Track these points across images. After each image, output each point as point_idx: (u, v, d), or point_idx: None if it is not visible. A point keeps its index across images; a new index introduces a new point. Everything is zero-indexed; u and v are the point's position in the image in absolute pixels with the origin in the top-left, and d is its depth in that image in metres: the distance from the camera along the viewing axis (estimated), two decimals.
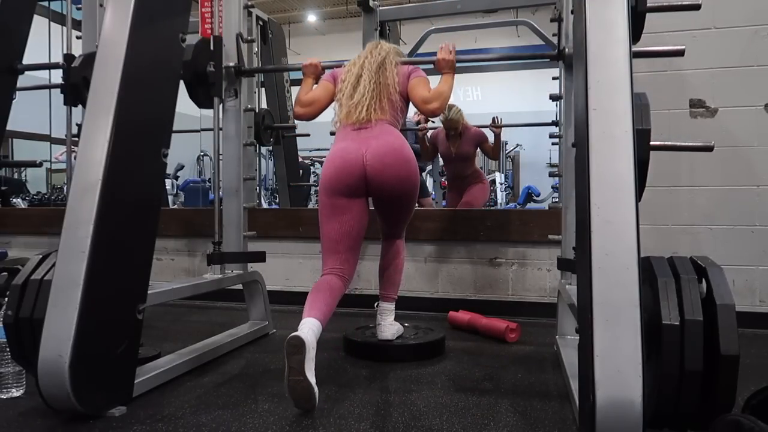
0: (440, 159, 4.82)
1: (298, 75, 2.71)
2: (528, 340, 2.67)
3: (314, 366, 1.77)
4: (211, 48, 2.55)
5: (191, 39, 2.32)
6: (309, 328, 1.85)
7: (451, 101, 4.01)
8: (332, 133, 2.33)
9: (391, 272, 2.41)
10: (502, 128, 4.32)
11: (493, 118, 4.31)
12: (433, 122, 4.61)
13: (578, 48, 1.70)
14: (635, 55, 1.64)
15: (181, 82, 2.25)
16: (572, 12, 1.99)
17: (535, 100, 6.69)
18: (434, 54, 2.38)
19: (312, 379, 1.73)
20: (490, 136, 4.38)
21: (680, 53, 1.90)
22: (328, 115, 2.44)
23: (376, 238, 2.48)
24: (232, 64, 2.68)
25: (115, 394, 1.76)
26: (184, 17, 2.17)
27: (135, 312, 1.83)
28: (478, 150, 4.44)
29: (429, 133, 4.51)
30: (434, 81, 2.34)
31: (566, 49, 2.39)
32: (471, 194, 4.39)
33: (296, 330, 1.82)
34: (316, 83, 2.47)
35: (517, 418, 1.72)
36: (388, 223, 2.39)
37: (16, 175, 8.30)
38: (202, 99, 2.59)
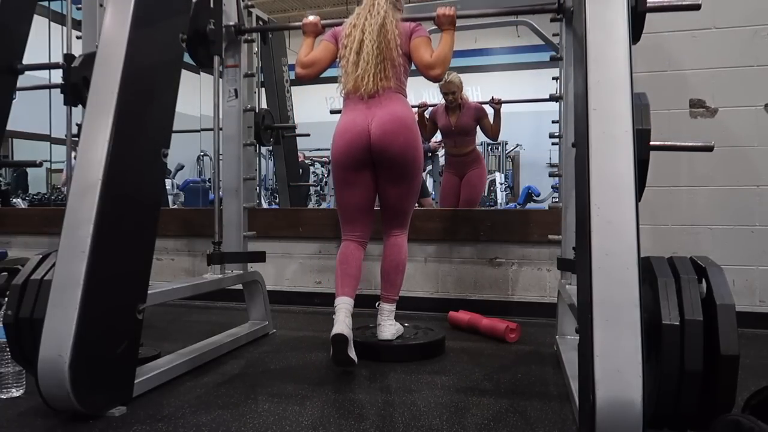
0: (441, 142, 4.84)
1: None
2: (528, 340, 2.67)
3: (352, 341, 2.12)
4: (211, 6, 2.57)
5: None
6: (345, 314, 2.14)
7: None
8: (332, 112, 2.33)
9: (392, 273, 2.40)
10: (502, 104, 4.34)
11: (492, 97, 4.34)
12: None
13: (578, 48, 1.70)
14: (650, 9, 1.65)
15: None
16: (572, 12, 1.99)
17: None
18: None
19: (352, 354, 2.09)
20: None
21: (696, 7, 1.87)
22: (328, 117, 2.45)
23: (377, 238, 2.48)
24: (232, 23, 2.70)
25: (115, 394, 1.76)
26: (184, 17, 2.18)
27: (135, 312, 1.83)
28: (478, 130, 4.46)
29: (428, 110, 4.52)
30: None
31: (566, 1, 2.33)
32: (470, 185, 4.39)
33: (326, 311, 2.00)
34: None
35: (517, 418, 1.71)
36: (390, 206, 2.38)
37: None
38: (202, 58, 2.61)
